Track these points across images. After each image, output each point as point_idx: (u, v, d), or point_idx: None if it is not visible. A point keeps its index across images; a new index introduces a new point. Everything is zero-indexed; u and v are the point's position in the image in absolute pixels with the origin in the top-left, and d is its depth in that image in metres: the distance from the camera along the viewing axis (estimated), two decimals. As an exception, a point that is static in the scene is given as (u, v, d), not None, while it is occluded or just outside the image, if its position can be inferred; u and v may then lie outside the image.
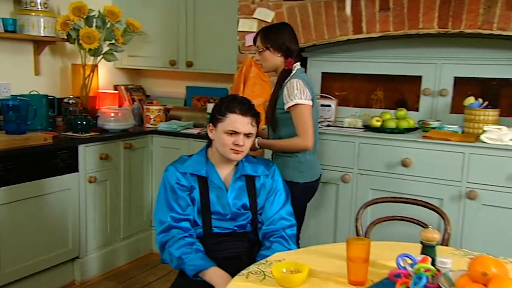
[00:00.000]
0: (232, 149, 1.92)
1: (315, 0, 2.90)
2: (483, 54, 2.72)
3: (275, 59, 2.38)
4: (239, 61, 3.19)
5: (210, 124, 2.00)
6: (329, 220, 2.79)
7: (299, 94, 2.25)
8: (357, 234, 2.00)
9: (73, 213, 3.01)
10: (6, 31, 3.00)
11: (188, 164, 1.97)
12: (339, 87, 3.26)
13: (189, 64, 3.71)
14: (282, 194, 2.03)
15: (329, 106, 3.13)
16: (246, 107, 1.94)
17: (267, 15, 3.05)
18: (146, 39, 3.79)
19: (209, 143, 2.02)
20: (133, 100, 4.00)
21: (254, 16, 3.09)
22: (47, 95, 3.20)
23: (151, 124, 3.72)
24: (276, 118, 2.35)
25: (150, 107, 3.76)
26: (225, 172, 2.00)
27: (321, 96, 3.24)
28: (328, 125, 2.92)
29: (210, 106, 3.51)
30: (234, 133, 1.91)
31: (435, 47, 2.85)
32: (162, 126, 3.62)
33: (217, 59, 3.59)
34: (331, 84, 3.27)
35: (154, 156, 3.60)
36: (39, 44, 3.30)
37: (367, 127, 2.80)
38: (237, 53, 3.20)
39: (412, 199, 2.08)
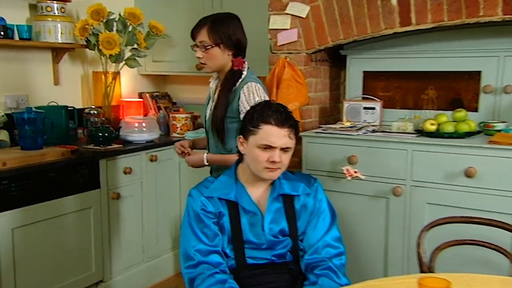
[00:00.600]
0: (266, 167, 1.63)
1: (356, -10, 2.58)
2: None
3: (225, 58, 2.04)
4: (270, 62, 2.90)
5: (241, 136, 1.71)
6: (378, 241, 2.45)
7: (259, 101, 1.90)
8: (420, 263, 1.67)
9: (96, 234, 2.77)
10: (21, 38, 2.80)
11: (215, 187, 1.68)
12: (383, 87, 2.92)
13: (217, 68, 3.44)
14: (327, 216, 1.72)
15: (373, 108, 2.79)
16: (282, 117, 1.64)
17: (302, 10, 2.75)
18: (171, 42, 3.54)
19: (240, 158, 1.73)
20: (159, 108, 3.77)
21: (286, 11, 2.79)
22: (66, 106, 2.99)
23: (178, 134, 3.47)
24: (227, 128, 2.02)
25: (177, 115, 3.51)
26: (258, 192, 1.70)
27: (363, 98, 2.91)
28: (374, 131, 2.58)
29: (240, 113, 3.23)
30: (268, 147, 1.62)
31: (497, 38, 2.48)
32: (190, 135, 3.35)
33: (246, 61, 3.30)
34: (374, 84, 2.93)
35: (181, 169, 3.34)
36: (57, 51, 3.09)
37: (420, 132, 2.45)
38: (268, 54, 2.91)
39: (491, 220, 1.72)
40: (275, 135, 1.62)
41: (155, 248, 3.20)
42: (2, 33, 2.56)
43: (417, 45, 2.71)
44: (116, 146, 2.95)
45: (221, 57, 2.03)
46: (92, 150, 2.83)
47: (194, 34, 2.05)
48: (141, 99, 3.70)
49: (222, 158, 2.05)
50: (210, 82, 2.20)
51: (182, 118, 3.49)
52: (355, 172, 2.39)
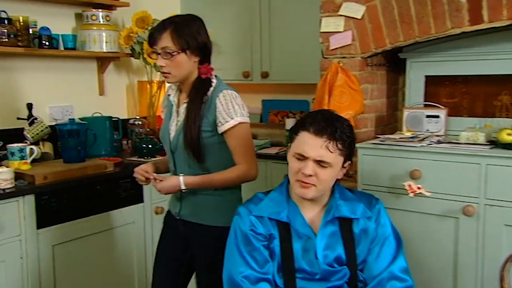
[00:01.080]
0: (298, 180, 1.44)
1: (417, -13, 2.33)
2: None
3: (191, 65, 1.77)
4: (322, 68, 2.69)
5: (289, 144, 1.54)
6: (446, 267, 2.16)
7: (239, 110, 1.75)
8: (504, 301, 1.41)
9: (138, 250, 2.65)
10: (66, 48, 2.74)
11: (265, 205, 1.50)
12: (447, 93, 2.64)
13: (264, 75, 3.29)
14: (392, 244, 1.49)
15: (437, 117, 2.52)
16: (321, 125, 1.43)
17: (357, 10, 2.52)
18: (217, 49, 3.40)
19: (291, 173, 1.55)
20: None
21: (340, 13, 2.58)
22: (110, 117, 2.90)
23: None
24: (203, 144, 1.77)
25: (223, 125, 3.36)
26: (311, 212, 1.50)
27: (425, 105, 2.64)
28: (439, 142, 2.31)
29: (289, 122, 3.05)
30: (301, 157, 1.43)
31: None
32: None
33: (296, 67, 3.14)
34: (437, 90, 2.66)
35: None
36: (102, 61, 3.03)
37: (494, 143, 2.17)
38: (320, 59, 2.70)
39: None
40: (310, 144, 1.43)
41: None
42: (47, 43, 2.50)
43: (488, 45, 2.42)
44: (160, 157, 2.82)
45: (187, 65, 1.75)
46: (136, 162, 2.72)
47: (154, 39, 1.74)
48: (187, 109, 3.59)
49: (203, 179, 1.79)
50: (169, 95, 1.92)
51: (229, 128, 3.34)
52: (418, 188, 2.13)
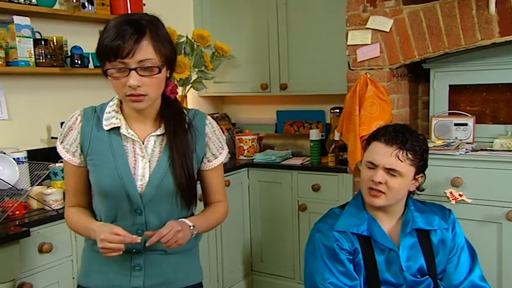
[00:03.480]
0: (369, 187, 1.49)
1: (446, 0, 2.42)
2: None
3: (163, 82, 1.32)
4: (349, 79, 2.75)
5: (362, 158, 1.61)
6: (490, 271, 2.21)
7: (223, 138, 1.47)
8: None
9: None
10: (96, 66, 2.72)
11: (345, 220, 1.53)
12: (471, 102, 2.74)
13: (283, 87, 3.32)
14: (466, 252, 1.55)
15: (465, 124, 2.61)
16: (392, 135, 1.51)
17: (385, 24, 2.59)
18: (233, 62, 3.43)
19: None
20: (221, 131, 3.64)
21: (367, 26, 2.64)
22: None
23: (245, 156, 3.34)
24: (194, 184, 1.39)
25: (243, 137, 3.38)
26: (389, 224, 1.55)
27: (450, 113, 2.73)
28: (474, 149, 2.40)
29: (313, 133, 3.09)
30: (372, 166, 1.49)
31: None
32: (259, 157, 3.22)
33: (314, 79, 3.18)
34: (461, 99, 2.76)
35: (251, 193, 3.20)
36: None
37: (528, 149, 2.26)
38: (346, 70, 2.76)
39: None
40: (380, 153, 1.50)
41: (229, 277, 3.06)
42: (79, 61, 2.48)
43: (508, 55, 2.53)
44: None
45: (163, 82, 1.31)
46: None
47: (126, 50, 1.21)
48: (203, 122, 3.59)
49: (201, 220, 1.39)
50: (104, 125, 1.35)
51: (249, 140, 3.37)
52: (460, 195, 2.21)
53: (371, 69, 2.67)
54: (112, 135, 1.34)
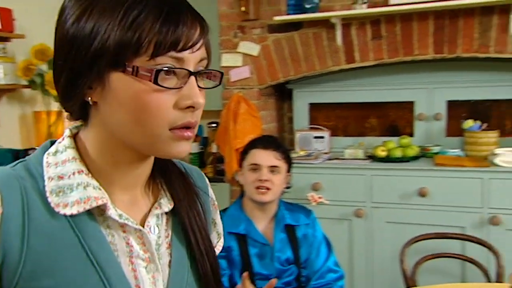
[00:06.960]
0: (256, 187, 1.77)
1: (302, 31, 2.82)
2: (475, 76, 2.76)
3: None
4: (224, 97, 3.04)
5: (239, 168, 1.90)
6: (343, 262, 2.64)
7: None
8: (405, 278, 1.89)
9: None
10: None
11: (224, 221, 1.76)
12: (326, 117, 3.19)
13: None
14: (324, 243, 1.88)
15: (322, 137, 3.04)
16: (267, 141, 1.86)
17: (253, 49, 2.93)
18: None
19: (243, 192, 1.85)
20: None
21: (238, 50, 2.95)
22: (11, 149, 2.83)
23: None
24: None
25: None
26: (263, 222, 1.83)
27: (310, 128, 3.15)
28: (329, 158, 2.82)
29: (192, 146, 3.30)
30: (256, 167, 1.79)
31: (426, 72, 2.86)
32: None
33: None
34: (318, 115, 3.19)
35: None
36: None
37: (371, 158, 2.73)
38: (221, 89, 3.04)
39: (460, 234, 2.03)
40: (262, 155, 1.80)
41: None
42: None
43: (357, 79, 3.01)
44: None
45: None
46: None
47: (192, 39, 0.67)
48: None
49: None
50: (61, 205, 0.67)
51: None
52: (320, 198, 2.59)
53: (243, 88, 2.98)
54: (79, 223, 0.68)
